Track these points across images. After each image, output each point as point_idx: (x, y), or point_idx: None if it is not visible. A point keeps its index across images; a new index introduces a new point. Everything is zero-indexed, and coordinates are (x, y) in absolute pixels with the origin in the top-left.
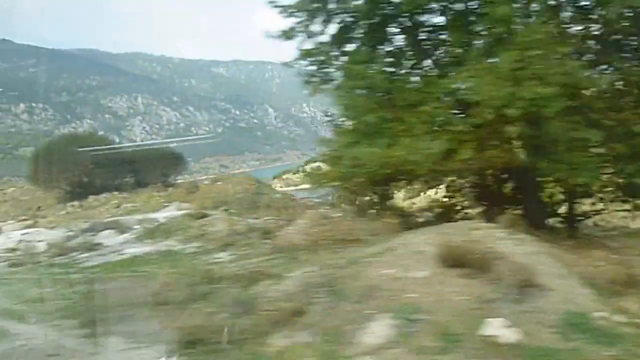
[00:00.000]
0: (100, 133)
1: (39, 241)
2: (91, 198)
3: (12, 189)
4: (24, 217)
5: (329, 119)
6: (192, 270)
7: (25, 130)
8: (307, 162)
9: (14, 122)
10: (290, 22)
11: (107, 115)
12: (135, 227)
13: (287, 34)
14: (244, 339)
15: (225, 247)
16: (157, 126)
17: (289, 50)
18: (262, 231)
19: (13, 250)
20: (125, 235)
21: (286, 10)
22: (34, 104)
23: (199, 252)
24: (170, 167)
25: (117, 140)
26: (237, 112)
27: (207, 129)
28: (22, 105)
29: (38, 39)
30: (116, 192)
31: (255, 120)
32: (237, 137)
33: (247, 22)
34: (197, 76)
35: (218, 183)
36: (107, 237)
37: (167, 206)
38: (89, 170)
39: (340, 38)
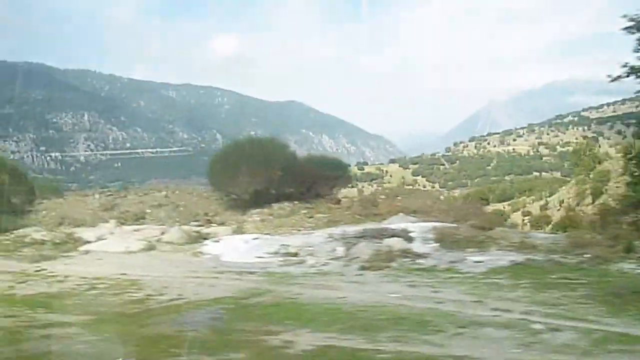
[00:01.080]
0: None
1: (308, 247)
2: (276, 206)
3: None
4: (215, 222)
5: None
6: None
7: None
8: None
9: None
10: None
11: (50, 131)
12: (413, 234)
13: None
14: None
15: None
16: (102, 144)
17: (242, 77)
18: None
19: (294, 254)
20: (418, 243)
21: None
22: None
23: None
24: (336, 178)
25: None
26: (185, 136)
27: (154, 150)
28: None
29: None
30: (296, 202)
31: (202, 145)
32: (183, 161)
33: (201, 47)
34: (147, 97)
35: (397, 197)
36: (408, 243)
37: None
38: (273, 178)
39: None
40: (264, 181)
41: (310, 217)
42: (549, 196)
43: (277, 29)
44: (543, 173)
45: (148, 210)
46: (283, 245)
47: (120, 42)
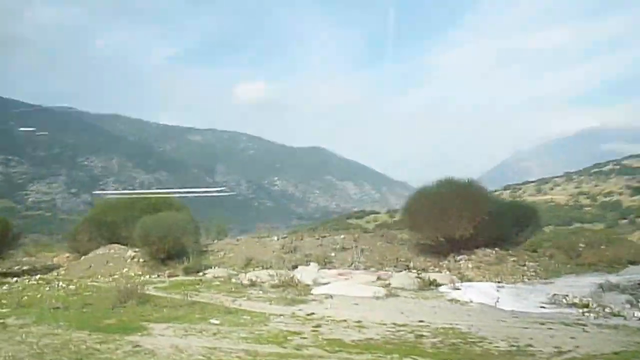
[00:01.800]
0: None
1: (584, 297)
2: (479, 252)
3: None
4: (416, 268)
5: None
6: None
7: None
8: None
9: None
10: None
11: (80, 173)
12: None
13: None
14: None
15: None
16: (130, 187)
17: (267, 122)
18: None
19: (586, 305)
20: None
21: None
22: (9, 157)
23: None
24: (527, 225)
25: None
26: (210, 180)
27: (185, 191)
28: None
29: (19, 93)
30: (496, 248)
31: (227, 190)
32: (205, 206)
33: (227, 93)
34: (173, 141)
35: (602, 247)
36: None
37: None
38: (476, 223)
39: None
40: (466, 226)
41: (523, 265)
42: None
43: (302, 75)
44: (585, 224)
45: (332, 254)
46: (554, 294)
47: (148, 89)
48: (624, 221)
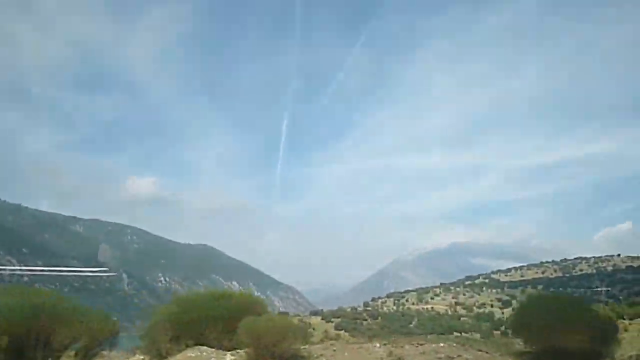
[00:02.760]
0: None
1: None
2: None
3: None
4: None
5: None
6: None
7: None
8: None
9: None
10: None
11: None
12: None
13: None
14: None
15: None
16: None
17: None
18: None
19: None
20: None
21: None
22: None
23: None
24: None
25: None
26: (89, 274)
27: (53, 286)
28: None
29: None
30: None
31: (107, 284)
32: (83, 300)
33: (114, 185)
34: (53, 230)
35: None
36: None
37: None
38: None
39: None
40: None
41: None
42: None
43: (195, 172)
44: (463, 333)
45: None
46: None
47: (30, 173)
48: (497, 332)
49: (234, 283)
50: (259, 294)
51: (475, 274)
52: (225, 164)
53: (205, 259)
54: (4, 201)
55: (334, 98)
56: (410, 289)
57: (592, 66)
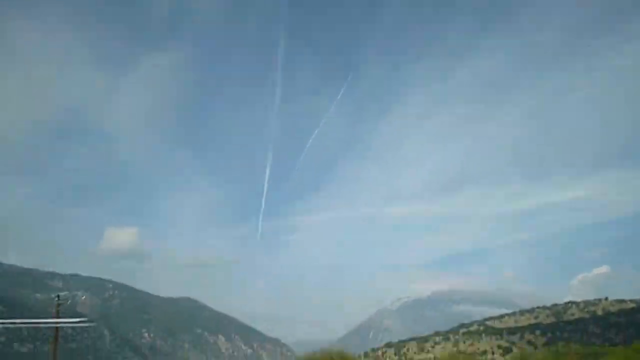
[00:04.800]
0: None
1: None
2: None
3: None
4: None
5: None
6: None
7: None
8: None
9: None
10: None
11: None
12: None
13: None
14: None
15: None
16: None
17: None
18: None
19: None
20: None
21: None
22: None
23: None
24: None
25: None
26: (70, 332)
27: (32, 345)
28: None
29: None
30: None
31: (88, 342)
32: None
33: (94, 238)
34: (31, 286)
35: None
36: None
37: None
38: None
39: None
40: None
41: None
42: None
43: (177, 224)
44: None
45: None
46: None
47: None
48: None
49: (220, 337)
50: (246, 347)
51: (459, 321)
52: (208, 214)
53: (189, 312)
54: None
55: (311, 150)
56: (403, 338)
57: (566, 114)
